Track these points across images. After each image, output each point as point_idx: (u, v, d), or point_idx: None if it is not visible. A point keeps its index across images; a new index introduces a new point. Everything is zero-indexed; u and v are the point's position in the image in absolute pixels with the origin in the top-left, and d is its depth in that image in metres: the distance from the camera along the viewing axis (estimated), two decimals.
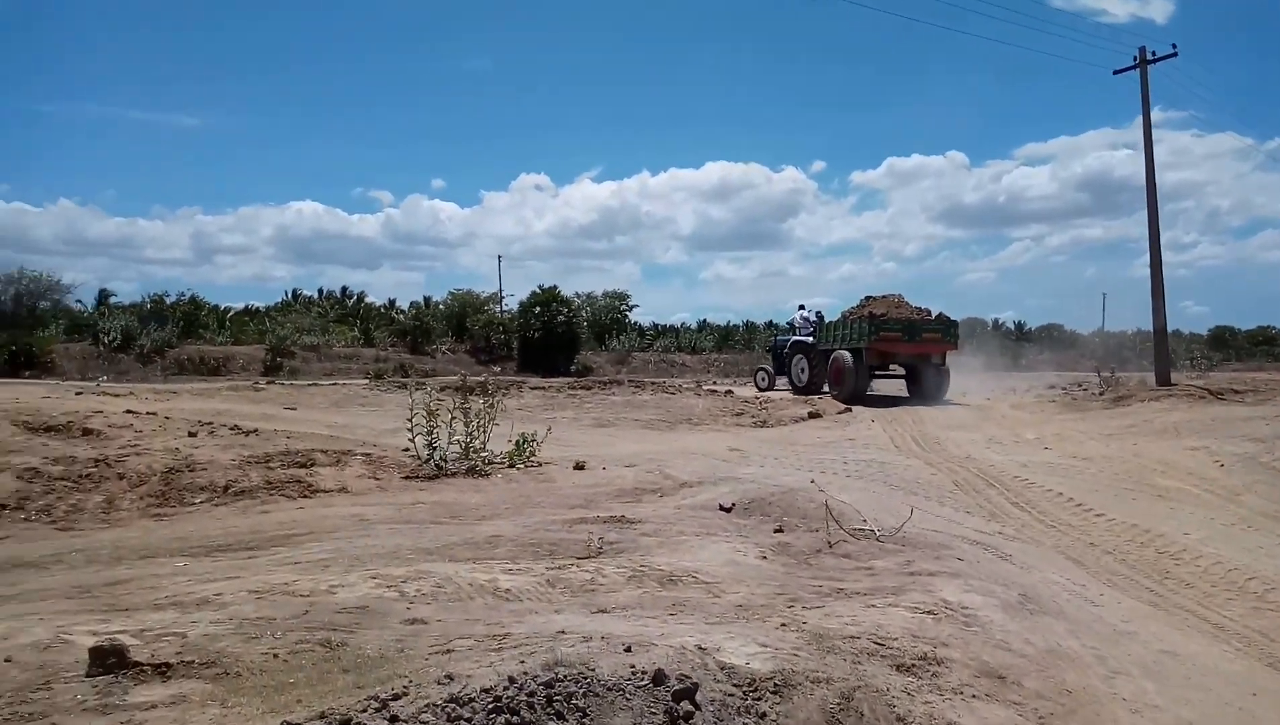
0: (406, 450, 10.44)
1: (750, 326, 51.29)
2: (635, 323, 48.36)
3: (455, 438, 9.00)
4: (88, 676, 2.85)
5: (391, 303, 49.35)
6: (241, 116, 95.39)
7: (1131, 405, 14.99)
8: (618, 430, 12.94)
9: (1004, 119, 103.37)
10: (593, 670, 2.36)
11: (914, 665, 2.73)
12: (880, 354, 18.32)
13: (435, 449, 8.73)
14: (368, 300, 50.70)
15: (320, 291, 53.62)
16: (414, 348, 37.44)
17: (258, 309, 46.51)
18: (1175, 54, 22.59)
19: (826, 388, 19.80)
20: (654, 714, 2.15)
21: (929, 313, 19.68)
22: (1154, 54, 22.55)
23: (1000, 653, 3.01)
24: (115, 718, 2.55)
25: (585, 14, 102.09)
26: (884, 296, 20.62)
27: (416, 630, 3.42)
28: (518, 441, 9.52)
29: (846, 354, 18.41)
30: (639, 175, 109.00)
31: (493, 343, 38.40)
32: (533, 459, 9.38)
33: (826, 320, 21.33)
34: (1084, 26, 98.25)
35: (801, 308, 22.70)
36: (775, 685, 2.41)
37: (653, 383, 19.94)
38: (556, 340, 36.58)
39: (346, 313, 47.13)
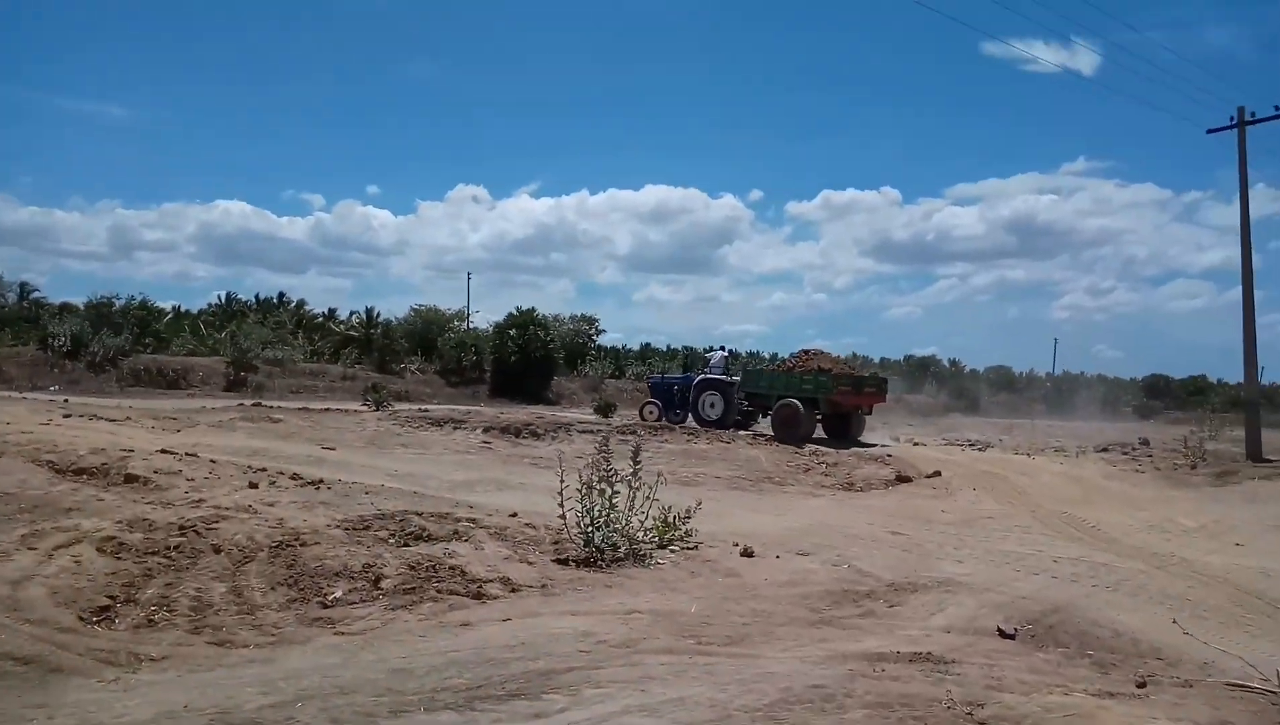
0: (515, 516, 9.15)
1: (690, 351, 50.18)
2: (598, 347, 47.16)
3: (606, 511, 7.78)
4: None
5: (331, 312, 46.70)
6: (170, 110, 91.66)
7: (1242, 483, 14.45)
8: (709, 492, 11.66)
9: (936, 158, 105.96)
10: None
11: None
12: (833, 404, 20.86)
13: (598, 529, 7.53)
14: (306, 308, 48.09)
15: (257, 297, 50.78)
16: (381, 366, 35.56)
17: (186, 311, 43.48)
18: (1278, 116, 21.44)
19: (736, 424, 22.51)
20: None
21: (848, 362, 23.88)
22: (1253, 115, 21.74)
23: None
24: None
25: (532, 27, 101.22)
26: (818, 352, 23.58)
27: None
28: (664, 518, 8.37)
29: (797, 402, 20.64)
30: (578, 193, 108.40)
31: (464, 364, 36.71)
32: (689, 539, 8.27)
33: (739, 357, 26.13)
34: (1018, 72, 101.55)
35: (722, 349, 26.30)
36: None
37: (706, 432, 18.93)
38: (533, 365, 35.17)
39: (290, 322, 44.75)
